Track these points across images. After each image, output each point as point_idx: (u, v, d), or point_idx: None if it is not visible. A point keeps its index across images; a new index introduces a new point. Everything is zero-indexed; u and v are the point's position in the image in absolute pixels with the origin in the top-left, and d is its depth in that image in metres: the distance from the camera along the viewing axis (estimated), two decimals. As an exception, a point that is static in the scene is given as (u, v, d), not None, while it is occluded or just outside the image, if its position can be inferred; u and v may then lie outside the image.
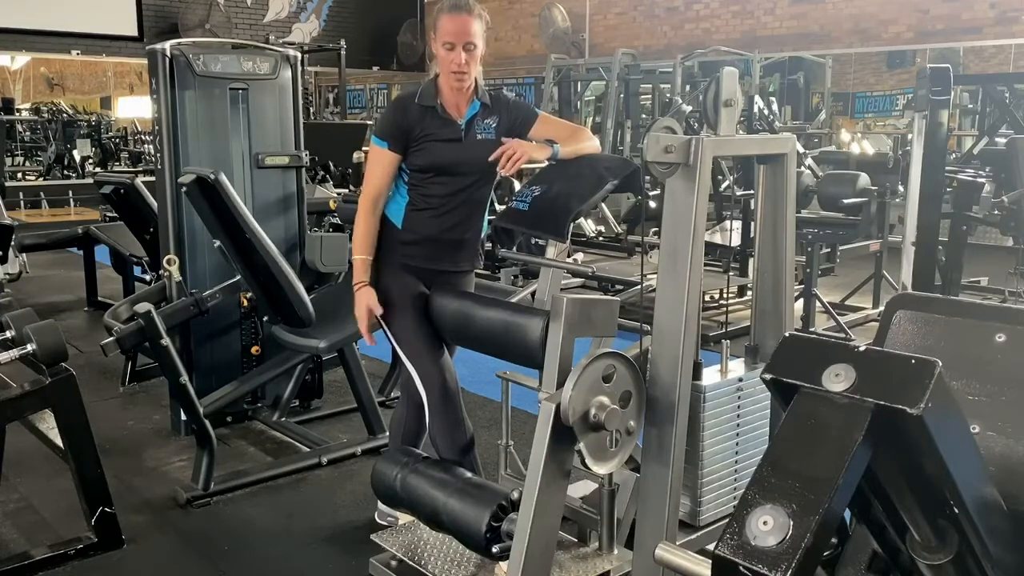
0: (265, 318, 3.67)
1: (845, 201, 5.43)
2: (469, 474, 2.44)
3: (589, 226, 7.34)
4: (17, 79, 19.93)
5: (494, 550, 2.20)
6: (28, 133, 15.88)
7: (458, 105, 2.55)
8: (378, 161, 2.56)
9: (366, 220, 2.56)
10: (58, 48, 12.98)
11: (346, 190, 6.47)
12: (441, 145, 2.52)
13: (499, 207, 5.13)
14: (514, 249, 2.53)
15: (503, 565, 2.28)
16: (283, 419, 3.98)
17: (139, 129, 16.33)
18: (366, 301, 2.54)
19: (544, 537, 2.10)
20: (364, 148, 8.13)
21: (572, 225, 2.37)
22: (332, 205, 4.98)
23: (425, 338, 2.55)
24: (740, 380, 2.31)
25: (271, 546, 2.94)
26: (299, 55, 4.12)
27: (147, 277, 5.47)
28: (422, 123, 2.51)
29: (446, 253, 2.62)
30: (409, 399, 2.72)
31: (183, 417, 3.71)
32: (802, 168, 5.93)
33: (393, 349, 2.61)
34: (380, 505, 2.93)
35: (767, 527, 1.07)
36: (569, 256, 2.22)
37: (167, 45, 3.66)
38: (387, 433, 3.69)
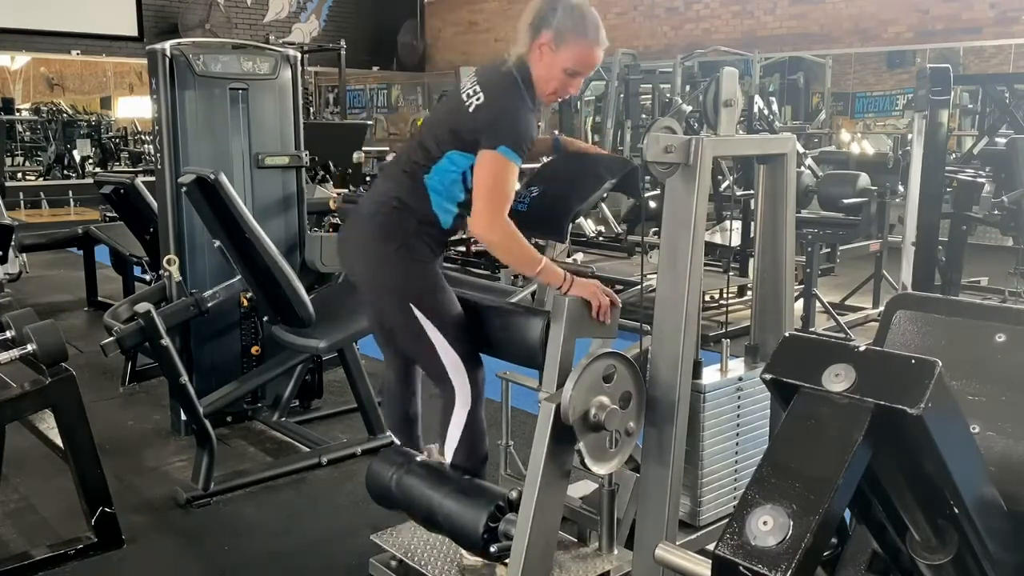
0: (265, 318, 3.67)
1: (845, 201, 5.43)
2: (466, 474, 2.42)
3: (589, 226, 7.33)
4: (17, 79, 19.92)
5: (492, 550, 2.20)
6: (28, 133, 15.86)
7: None
8: (513, 179, 2.22)
9: (521, 236, 2.21)
10: (58, 48, 12.98)
11: (346, 190, 6.47)
12: None
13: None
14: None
15: (503, 565, 2.28)
16: (283, 419, 3.98)
17: (139, 129, 16.32)
18: (592, 283, 2.20)
19: (544, 537, 2.10)
20: (364, 148, 8.13)
21: (572, 225, 2.37)
22: (332, 205, 4.99)
23: (471, 334, 2.41)
24: (740, 379, 2.31)
25: (271, 546, 2.94)
26: (299, 55, 4.12)
27: (147, 277, 5.47)
28: None
29: None
30: (409, 393, 2.63)
31: (183, 417, 3.70)
32: (802, 168, 5.92)
33: (425, 344, 2.38)
34: None
35: (767, 527, 1.07)
36: (569, 256, 2.21)
37: (167, 45, 3.66)
38: (387, 433, 3.70)
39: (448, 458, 2.45)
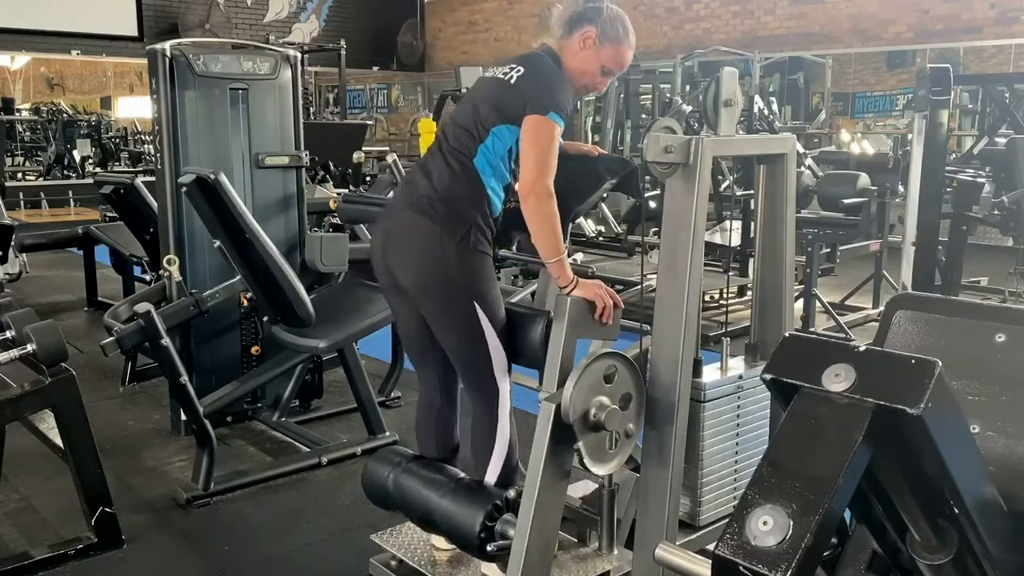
0: (265, 318, 3.67)
1: (845, 201, 5.43)
2: (462, 473, 2.42)
3: (589, 226, 7.34)
4: (17, 79, 19.93)
5: (488, 548, 2.20)
6: (28, 133, 15.86)
7: None
8: (558, 145, 2.21)
9: (557, 214, 2.17)
10: (58, 48, 12.98)
11: (346, 190, 6.47)
12: None
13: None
14: (514, 249, 2.52)
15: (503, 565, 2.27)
16: (283, 419, 3.98)
17: (139, 129, 16.32)
18: (596, 285, 2.18)
19: (544, 537, 2.10)
20: (364, 148, 8.13)
21: (572, 225, 2.37)
22: (332, 205, 4.98)
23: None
24: (740, 378, 2.31)
25: (271, 546, 2.94)
26: (299, 55, 4.12)
27: (147, 277, 5.47)
28: None
29: None
30: (449, 400, 2.51)
31: (183, 417, 3.71)
32: (802, 168, 5.92)
33: (478, 344, 2.29)
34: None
35: (767, 527, 1.08)
36: (569, 256, 2.20)
37: (167, 45, 3.66)
38: (386, 433, 3.70)
39: (491, 478, 2.35)
